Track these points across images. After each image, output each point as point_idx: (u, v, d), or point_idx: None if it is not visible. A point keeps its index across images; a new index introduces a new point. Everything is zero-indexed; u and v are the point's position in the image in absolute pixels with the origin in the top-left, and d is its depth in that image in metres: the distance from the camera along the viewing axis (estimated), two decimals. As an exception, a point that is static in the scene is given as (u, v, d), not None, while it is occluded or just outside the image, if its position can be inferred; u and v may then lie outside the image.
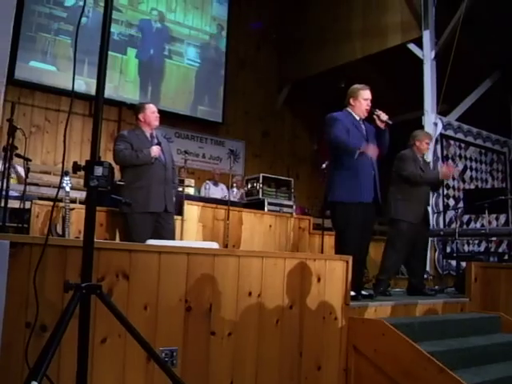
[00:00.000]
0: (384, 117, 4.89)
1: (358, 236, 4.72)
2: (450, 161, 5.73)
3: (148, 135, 5.42)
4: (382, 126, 4.92)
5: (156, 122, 5.49)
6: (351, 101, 5.00)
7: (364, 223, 4.80)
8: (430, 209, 8.13)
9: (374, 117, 4.94)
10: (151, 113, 5.45)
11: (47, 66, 9.36)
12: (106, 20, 2.37)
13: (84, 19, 9.47)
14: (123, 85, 10.15)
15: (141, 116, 5.43)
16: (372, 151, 4.75)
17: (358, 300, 4.54)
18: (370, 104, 4.96)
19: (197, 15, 11.46)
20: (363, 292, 4.82)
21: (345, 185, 4.78)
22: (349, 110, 5.03)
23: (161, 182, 5.30)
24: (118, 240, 5.62)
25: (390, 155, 5.81)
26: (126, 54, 10.24)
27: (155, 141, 5.41)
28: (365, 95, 4.97)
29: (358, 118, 4.99)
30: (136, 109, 5.59)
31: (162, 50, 10.89)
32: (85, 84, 9.31)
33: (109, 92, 9.21)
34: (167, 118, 9.10)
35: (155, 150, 5.25)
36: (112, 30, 9.72)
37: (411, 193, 5.75)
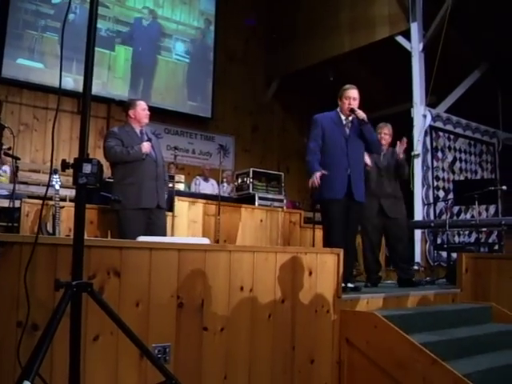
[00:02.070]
0: (360, 116, 5.01)
1: (340, 231, 4.87)
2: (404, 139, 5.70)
3: (138, 132, 5.40)
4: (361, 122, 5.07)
5: (146, 120, 5.47)
6: (338, 100, 5.18)
7: (347, 218, 4.96)
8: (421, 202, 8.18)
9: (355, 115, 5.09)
10: (142, 110, 5.43)
11: (34, 63, 9.32)
12: (92, 16, 2.35)
13: (71, 16, 9.43)
14: (112, 81, 10.11)
15: (131, 112, 5.40)
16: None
17: (347, 292, 4.56)
18: (351, 103, 5.06)
19: (184, 10, 11.43)
20: (349, 284, 4.85)
21: (322, 183, 4.95)
22: (338, 110, 5.20)
23: (152, 178, 5.29)
24: (109, 237, 5.61)
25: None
26: (114, 51, 10.20)
27: (145, 137, 5.40)
28: (346, 94, 5.11)
29: (343, 118, 5.13)
30: (126, 105, 5.56)
31: (153, 46, 10.88)
32: (73, 81, 9.25)
33: (97, 89, 9.15)
34: (156, 114, 9.07)
35: (146, 146, 5.23)
36: (99, 26, 9.71)
37: (369, 188, 5.76)
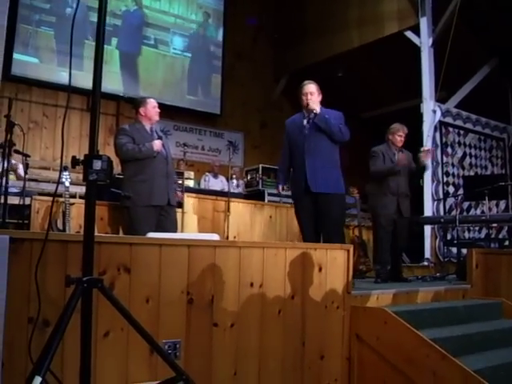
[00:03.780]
0: (311, 106, 4.97)
1: (306, 226, 5.02)
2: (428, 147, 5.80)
3: (148, 129, 5.42)
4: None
5: (157, 117, 5.49)
6: (299, 99, 5.16)
7: (316, 213, 4.97)
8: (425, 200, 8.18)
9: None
10: (152, 107, 5.44)
11: (29, 57, 9.21)
12: (101, 15, 2.36)
13: (68, 10, 9.44)
14: (108, 75, 9.93)
15: (142, 110, 5.41)
16: None
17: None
18: (308, 98, 5.01)
19: (182, 3, 11.25)
20: None
21: (290, 182, 5.30)
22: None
23: (163, 176, 5.30)
24: (121, 234, 5.62)
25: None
26: (110, 44, 10.02)
27: (155, 135, 5.42)
28: (302, 90, 5.09)
29: (306, 115, 5.09)
30: (137, 103, 5.57)
31: (145, 39, 10.67)
32: (68, 76, 9.18)
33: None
34: (164, 110, 9.09)
35: (157, 144, 5.24)
36: (95, 19, 9.51)
37: (383, 186, 5.98)
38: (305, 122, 5.07)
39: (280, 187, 5.43)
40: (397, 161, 5.94)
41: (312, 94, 5.01)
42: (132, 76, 10.43)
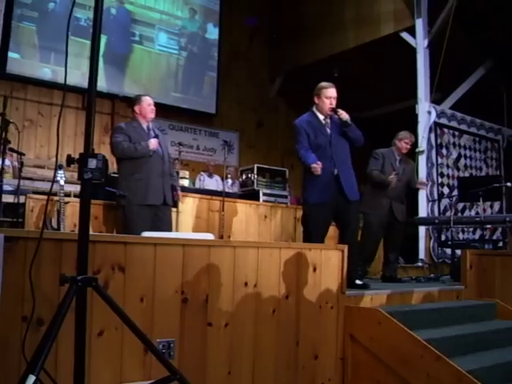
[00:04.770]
0: (344, 117, 4.86)
1: (321, 236, 4.86)
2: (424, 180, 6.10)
3: (145, 127, 5.41)
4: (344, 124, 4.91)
5: (152, 115, 5.47)
6: (315, 99, 5.02)
7: (338, 220, 4.98)
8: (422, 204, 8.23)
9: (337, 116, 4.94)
10: (147, 105, 5.43)
11: (10, 53, 9.05)
12: (97, 15, 2.36)
13: (51, 5, 9.36)
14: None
15: (137, 108, 5.40)
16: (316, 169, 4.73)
17: (355, 290, 4.57)
18: (332, 102, 4.92)
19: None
20: (357, 281, 4.85)
21: (309, 186, 4.94)
22: (314, 109, 5.06)
23: (159, 175, 5.28)
24: (115, 233, 5.61)
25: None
26: None
27: (152, 133, 5.40)
28: (327, 93, 4.95)
29: (322, 118, 4.99)
30: (132, 101, 5.56)
31: (131, 35, 10.54)
32: (51, 72, 9.16)
33: (77, 80, 8.27)
34: (159, 109, 9.07)
35: (153, 143, 5.23)
36: (79, 15, 9.34)
37: (379, 187, 6.09)
38: (323, 122, 4.98)
39: (318, 166, 4.73)
40: (390, 180, 5.98)
41: (335, 99, 4.95)
42: (117, 73, 10.25)
